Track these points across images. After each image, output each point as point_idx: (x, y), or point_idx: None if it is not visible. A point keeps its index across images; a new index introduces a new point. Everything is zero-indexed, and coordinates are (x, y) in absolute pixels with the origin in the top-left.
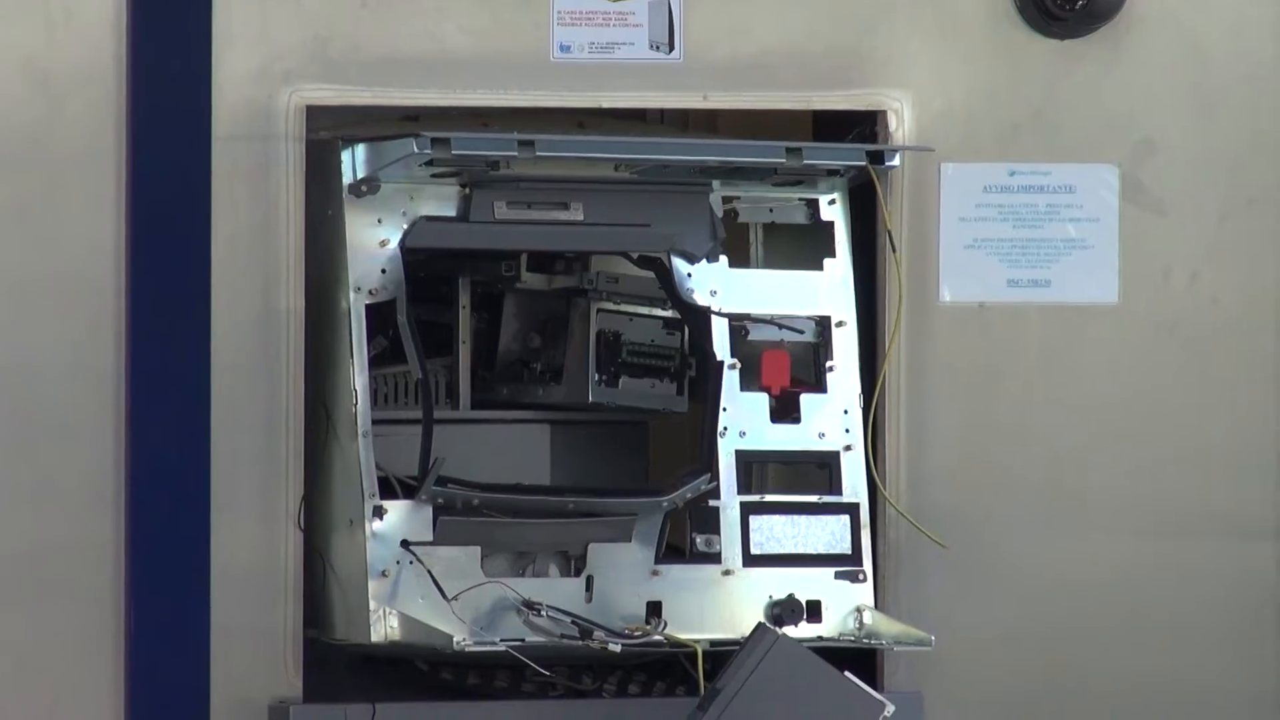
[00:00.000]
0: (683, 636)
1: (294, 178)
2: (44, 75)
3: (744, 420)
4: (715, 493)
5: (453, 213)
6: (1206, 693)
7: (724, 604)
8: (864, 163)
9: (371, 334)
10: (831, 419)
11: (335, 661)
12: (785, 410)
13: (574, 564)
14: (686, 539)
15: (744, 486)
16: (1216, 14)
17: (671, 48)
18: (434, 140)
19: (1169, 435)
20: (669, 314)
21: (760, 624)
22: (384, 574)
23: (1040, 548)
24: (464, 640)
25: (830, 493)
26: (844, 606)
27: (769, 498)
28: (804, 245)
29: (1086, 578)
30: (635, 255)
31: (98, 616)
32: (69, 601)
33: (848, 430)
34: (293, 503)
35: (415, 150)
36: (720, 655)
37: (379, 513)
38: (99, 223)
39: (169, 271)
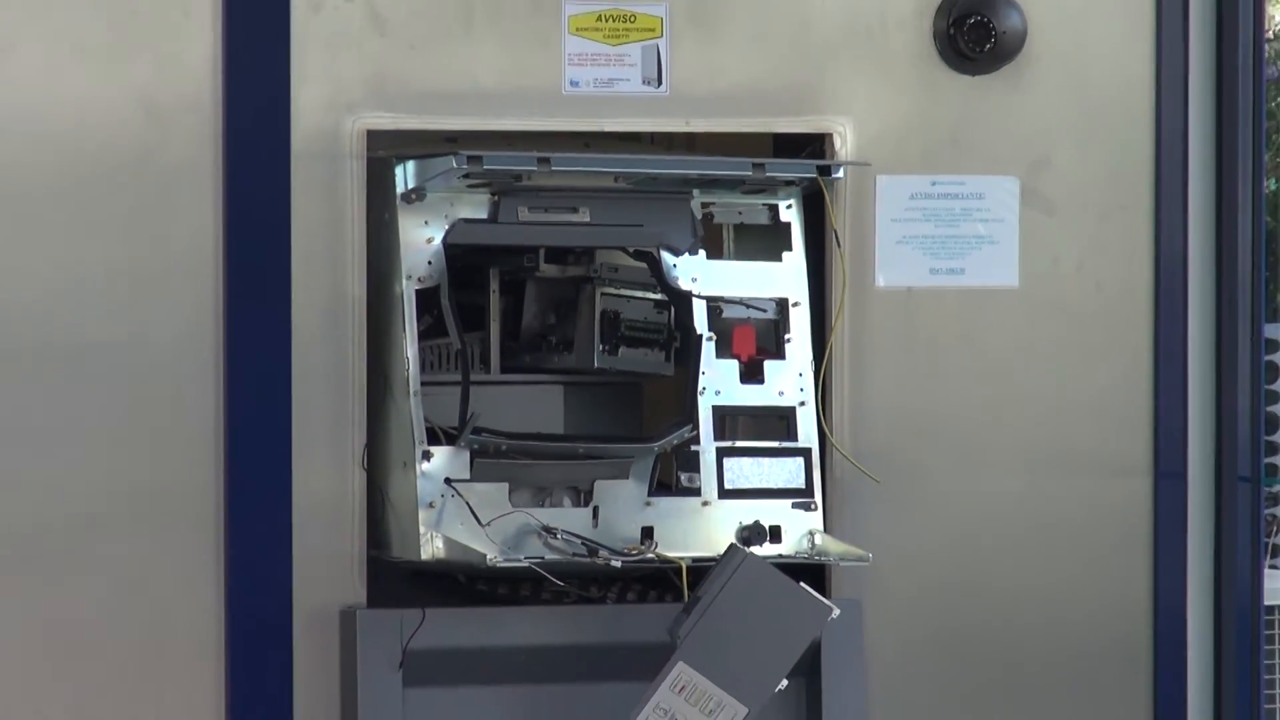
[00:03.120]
0: (670, 555)
1: (357, 188)
2: (154, 105)
3: (719, 381)
4: (696, 439)
5: (485, 215)
6: (1089, 595)
7: (703, 529)
8: (814, 175)
9: (420, 313)
10: (789, 380)
11: (392, 575)
12: (752, 374)
13: (583, 497)
14: (673, 476)
15: (719, 434)
16: (1097, 53)
17: (660, 83)
18: (469, 158)
19: (1061, 393)
20: (659, 297)
21: (732, 544)
22: (431, 505)
23: (958, 483)
24: (495, 558)
25: (788, 439)
26: (799, 530)
27: (739, 444)
28: (767, 241)
29: (994, 506)
30: (631, 249)
31: (202, 541)
32: (179, 529)
33: (802, 389)
34: (358, 448)
35: (455, 166)
36: (700, 570)
37: (427, 456)
38: (200, 225)
39: (257, 265)
